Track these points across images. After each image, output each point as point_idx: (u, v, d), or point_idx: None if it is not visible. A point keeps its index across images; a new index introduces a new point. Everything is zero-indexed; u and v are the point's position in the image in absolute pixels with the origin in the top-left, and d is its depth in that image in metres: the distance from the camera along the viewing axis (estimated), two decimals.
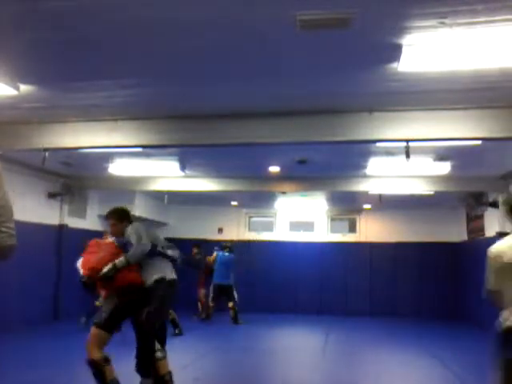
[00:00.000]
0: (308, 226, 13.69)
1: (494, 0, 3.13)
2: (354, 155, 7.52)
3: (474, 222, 11.07)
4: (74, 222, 10.48)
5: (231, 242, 11.90)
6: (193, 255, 11.11)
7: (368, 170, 8.24)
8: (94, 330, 4.23)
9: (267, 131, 5.74)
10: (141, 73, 4.65)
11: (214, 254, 10.96)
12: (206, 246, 11.80)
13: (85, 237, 10.92)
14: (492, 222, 9.61)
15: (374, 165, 7.92)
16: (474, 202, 10.32)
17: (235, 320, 10.47)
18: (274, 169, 8.67)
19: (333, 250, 12.98)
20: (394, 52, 3.88)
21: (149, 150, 7.24)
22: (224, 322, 10.48)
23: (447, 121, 5.31)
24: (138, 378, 4.34)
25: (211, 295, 10.69)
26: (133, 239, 4.41)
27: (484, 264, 3.14)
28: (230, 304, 10.56)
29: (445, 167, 7.81)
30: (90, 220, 11.22)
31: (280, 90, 4.99)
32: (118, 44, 3.99)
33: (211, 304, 10.69)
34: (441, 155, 7.30)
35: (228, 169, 8.85)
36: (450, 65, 4.08)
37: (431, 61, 3.99)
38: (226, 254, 10.95)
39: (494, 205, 9.24)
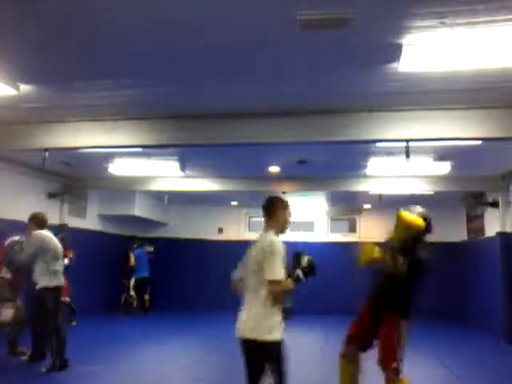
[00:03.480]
0: (308, 226, 13.68)
1: (494, 0, 3.14)
2: (354, 155, 7.51)
3: (474, 222, 11.06)
4: (74, 222, 10.47)
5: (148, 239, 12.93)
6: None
7: (368, 170, 8.24)
8: None
9: (267, 131, 5.74)
10: (141, 73, 4.65)
11: (131, 255, 11.99)
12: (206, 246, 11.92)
13: (85, 237, 10.95)
14: (492, 222, 9.60)
15: (373, 165, 7.92)
16: (473, 202, 10.32)
17: (147, 310, 11.68)
18: (274, 169, 8.67)
19: (333, 249, 12.96)
20: (394, 52, 3.88)
21: (149, 149, 7.25)
22: (222, 322, 10.48)
23: (447, 121, 5.31)
24: None
25: (132, 288, 11.71)
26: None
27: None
28: (147, 297, 11.79)
29: (445, 167, 7.81)
30: (90, 220, 11.22)
31: (280, 89, 4.99)
32: (117, 44, 3.99)
33: (133, 295, 11.71)
34: (441, 155, 7.30)
35: (228, 169, 8.85)
36: (450, 65, 4.08)
37: (431, 61, 3.99)
38: (140, 249, 12.09)
39: (494, 205, 9.23)
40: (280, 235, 3.33)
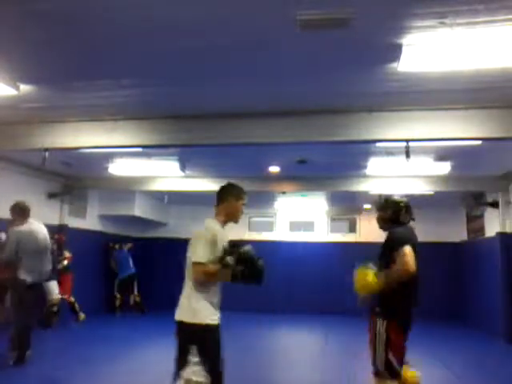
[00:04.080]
0: (308, 226, 13.69)
1: (494, 0, 3.14)
2: (354, 155, 7.51)
3: (474, 222, 11.07)
4: (74, 222, 10.47)
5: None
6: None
7: (368, 170, 8.24)
8: None
9: (267, 131, 5.74)
10: (141, 73, 4.65)
11: (112, 261, 11.83)
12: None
13: (85, 237, 10.94)
14: (492, 222, 9.61)
15: (373, 165, 7.92)
16: (473, 202, 10.32)
17: (142, 309, 11.57)
18: (274, 169, 8.67)
19: (333, 250, 12.97)
20: (394, 52, 3.89)
21: (149, 149, 7.25)
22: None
23: (447, 121, 5.31)
24: None
25: (116, 288, 11.61)
26: None
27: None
28: (136, 293, 11.63)
29: (445, 167, 7.81)
30: (90, 220, 11.22)
31: (280, 89, 4.99)
32: (118, 44, 3.99)
33: (117, 295, 11.60)
34: (441, 155, 7.30)
35: (228, 169, 8.84)
36: (450, 65, 4.08)
37: (431, 61, 3.99)
38: (120, 250, 11.90)
39: (494, 205, 9.23)
40: (228, 224, 3.40)
